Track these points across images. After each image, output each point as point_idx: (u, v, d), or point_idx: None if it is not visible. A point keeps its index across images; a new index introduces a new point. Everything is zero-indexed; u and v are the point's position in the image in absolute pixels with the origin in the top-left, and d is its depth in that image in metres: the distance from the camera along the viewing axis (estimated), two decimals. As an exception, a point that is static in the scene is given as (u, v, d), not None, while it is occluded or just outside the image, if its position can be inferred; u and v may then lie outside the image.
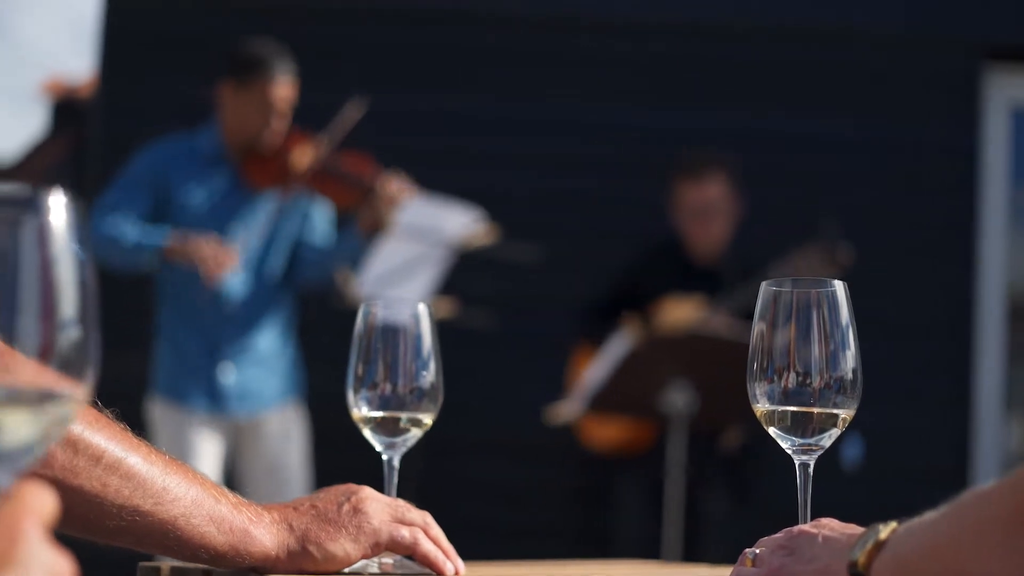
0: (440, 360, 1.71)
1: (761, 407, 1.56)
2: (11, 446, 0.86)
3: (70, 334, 0.86)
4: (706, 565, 1.95)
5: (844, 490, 5.19)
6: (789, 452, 1.57)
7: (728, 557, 4.63)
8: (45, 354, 0.85)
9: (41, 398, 0.86)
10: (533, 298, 6.19)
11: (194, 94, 6.50)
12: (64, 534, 1.15)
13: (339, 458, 3.95)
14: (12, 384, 0.85)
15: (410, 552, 1.57)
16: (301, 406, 5.03)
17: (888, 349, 6.08)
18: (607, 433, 5.34)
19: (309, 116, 5.12)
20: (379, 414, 1.67)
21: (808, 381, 1.53)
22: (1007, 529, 1.13)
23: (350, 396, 1.68)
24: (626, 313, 5.23)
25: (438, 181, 5.25)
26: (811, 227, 5.38)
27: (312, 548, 1.51)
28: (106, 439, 1.44)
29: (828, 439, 1.55)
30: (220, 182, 4.92)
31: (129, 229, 4.72)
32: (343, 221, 5.15)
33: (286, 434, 4.94)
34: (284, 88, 4.88)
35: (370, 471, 1.80)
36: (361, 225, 4.84)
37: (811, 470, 1.56)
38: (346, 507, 1.54)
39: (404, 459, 1.72)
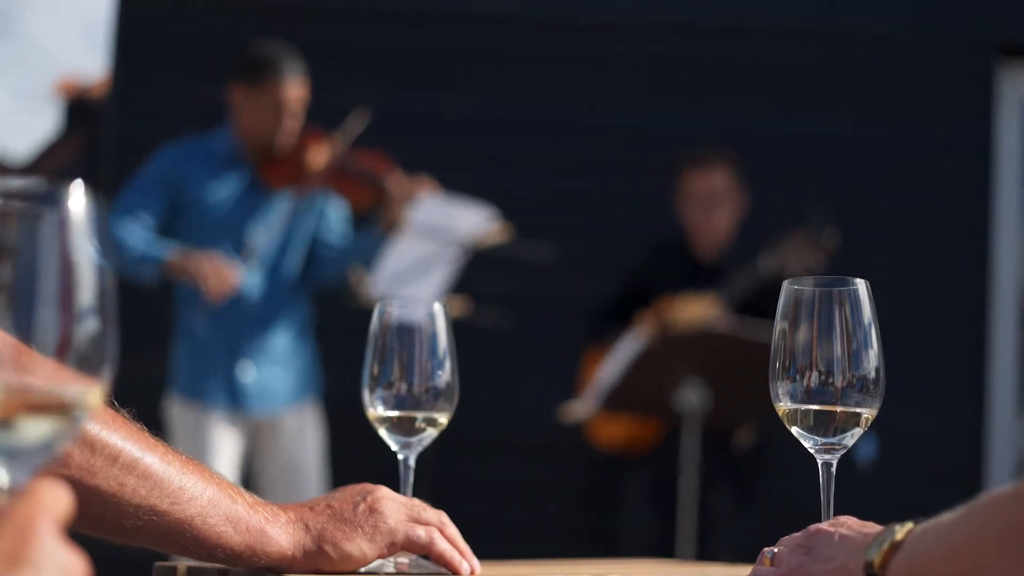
0: (456, 360, 1.70)
1: (783, 406, 1.55)
2: (27, 444, 0.86)
3: (88, 328, 0.86)
4: (721, 564, 1.95)
5: (858, 489, 5.18)
6: (811, 451, 1.56)
7: (731, 555, 4.64)
8: (63, 348, 0.85)
9: (58, 396, 0.86)
10: (545, 297, 6.19)
11: (205, 94, 6.51)
12: (80, 533, 1.15)
13: (355, 457, 3.95)
14: (29, 382, 0.85)
15: (426, 551, 1.57)
16: (318, 405, 5.04)
17: (901, 348, 6.06)
18: (612, 432, 5.34)
19: (320, 116, 5.13)
20: (395, 413, 1.67)
21: (831, 380, 1.53)
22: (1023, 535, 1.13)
23: (366, 395, 1.68)
24: (634, 312, 5.24)
25: (451, 181, 5.25)
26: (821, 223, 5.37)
27: (328, 548, 1.51)
28: (123, 439, 1.44)
29: (851, 438, 1.55)
30: (236, 183, 4.93)
31: (136, 239, 4.72)
32: (359, 219, 5.15)
33: (302, 433, 4.95)
34: (295, 88, 4.89)
35: (385, 470, 1.80)
36: (381, 223, 4.86)
37: (834, 469, 1.56)
38: (362, 507, 1.54)
39: (418, 458, 1.72)
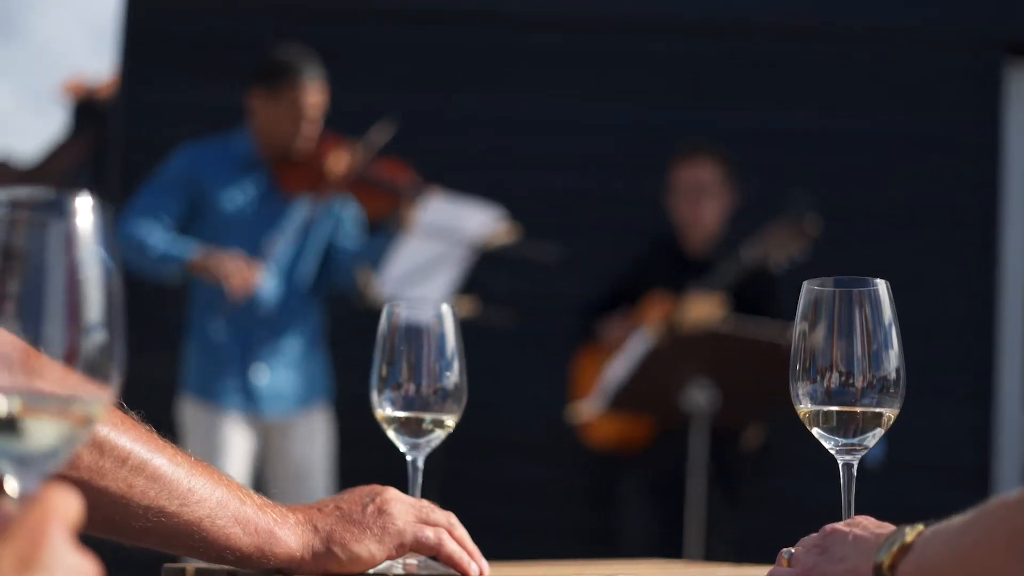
0: (464, 360, 1.70)
1: (804, 407, 1.55)
2: (37, 450, 0.87)
3: (96, 338, 0.86)
4: (730, 565, 1.95)
5: (866, 488, 5.17)
6: (832, 452, 1.56)
7: (718, 554, 4.62)
8: (71, 358, 0.86)
9: (67, 402, 0.86)
10: (553, 297, 6.19)
11: (213, 95, 6.52)
12: (90, 535, 1.15)
13: (363, 458, 3.95)
14: (38, 388, 0.85)
15: (435, 553, 1.57)
16: (328, 410, 5.05)
17: (908, 347, 6.05)
18: (606, 432, 5.35)
19: (340, 121, 5.13)
20: (403, 414, 1.67)
21: (851, 381, 1.52)
22: None
23: (374, 396, 1.68)
24: (623, 308, 5.28)
25: (458, 181, 5.25)
26: (830, 223, 5.37)
27: (337, 549, 1.51)
28: (132, 441, 1.44)
29: (872, 439, 1.54)
30: (254, 187, 4.94)
31: (158, 238, 4.74)
32: (373, 226, 5.15)
33: (312, 437, 4.97)
34: (314, 94, 4.89)
35: (392, 470, 1.80)
36: (392, 227, 4.88)
37: (855, 470, 1.55)
38: (371, 508, 1.54)
39: (426, 459, 1.72)
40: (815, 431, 1.55)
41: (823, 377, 1.53)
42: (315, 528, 1.52)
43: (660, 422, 5.08)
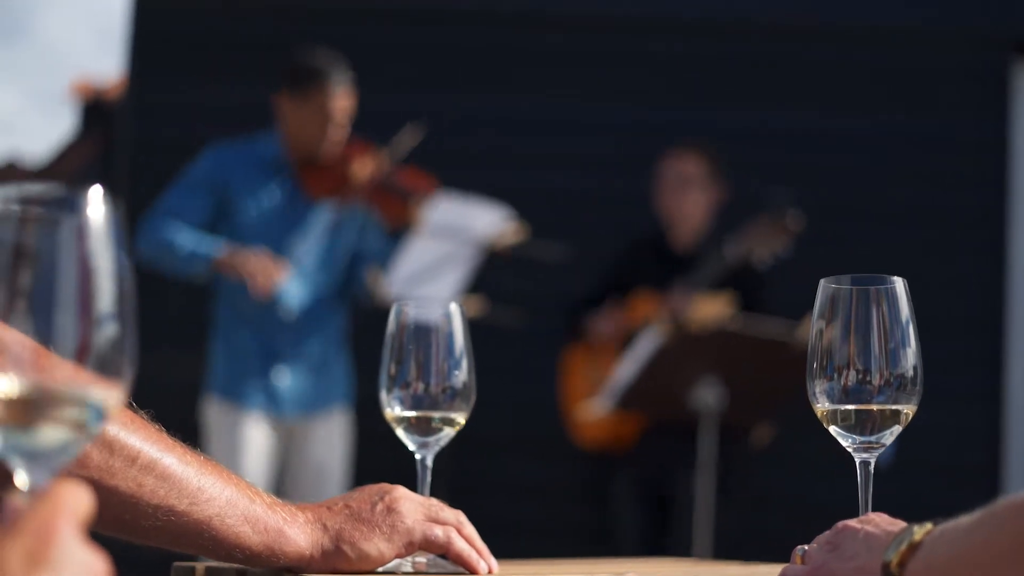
0: (472, 359, 1.70)
1: (821, 406, 1.55)
2: (47, 446, 0.87)
3: (107, 333, 0.87)
4: (740, 563, 1.95)
5: (876, 487, 5.18)
6: (849, 450, 1.56)
7: (699, 549, 4.60)
8: (82, 353, 0.86)
9: (77, 399, 0.86)
10: (559, 296, 6.19)
11: (220, 95, 6.52)
12: (100, 534, 1.15)
13: (377, 457, 3.95)
14: (48, 385, 0.85)
15: (444, 551, 1.57)
16: (349, 413, 5.08)
17: (921, 347, 6.05)
18: (595, 430, 5.36)
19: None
20: (412, 413, 1.67)
21: (868, 379, 1.52)
22: None
23: (383, 396, 1.68)
24: (610, 305, 5.31)
25: (466, 181, 5.25)
26: (837, 224, 5.36)
27: (346, 547, 1.51)
28: (142, 440, 1.44)
29: (889, 436, 1.54)
30: (279, 190, 4.98)
31: (185, 237, 4.80)
32: (393, 232, 5.17)
33: (332, 439, 5.02)
34: (342, 99, 4.92)
35: (406, 470, 1.80)
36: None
37: (872, 468, 1.55)
38: (380, 506, 1.54)
39: (435, 457, 1.72)
40: (832, 429, 1.55)
41: (840, 375, 1.53)
42: (324, 527, 1.52)
43: (669, 420, 5.08)
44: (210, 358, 5.01)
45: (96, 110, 11.06)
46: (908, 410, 1.54)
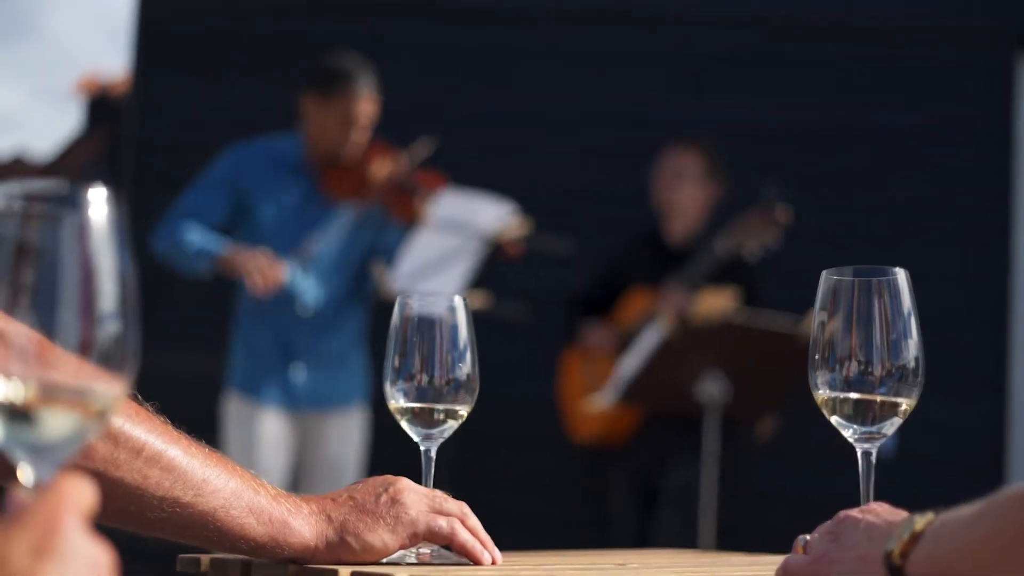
0: (476, 352, 1.71)
1: (823, 395, 1.55)
2: (52, 440, 0.87)
3: (110, 328, 0.87)
4: (744, 554, 1.95)
5: (878, 481, 5.18)
6: (851, 440, 1.56)
7: (673, 538, 4.58)
8: (85, 348, 0.86)
9: (81, 392, 0.87)
10: (564, 291, 6.19)
11: (225, 92, 6.53)
12: (105, 526, 1.16)
13: (383, 451, 3.97)
14: (52, 378, 0.86)
15: (447, 542, 1.58)
16: (366, 411, 5.10)
17: (922, 338, 6.04)
18: (590, 425, 5.37)
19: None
20: (416, 405, 1.68)
21: (870, 369, 1.53)
22: None
23: (387, 388, 1.69)
24: (608, 301, 5.36)
25: (471, 176, 5.26)
26: (842, 218, 5.35)
27: (350, 539, 1.52)
28: (146, 432, 1.45)
29: (890, 427, 1.55)
30: (298, 190, 5.03)
31: (195, 235, 4.85)
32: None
33: (348, 435, 5.06)
34: (366, 102, 4.97)
35: (418, 463, 1.81)
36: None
37: (873, 458, 1.56)
38: (384, 498, 1.55)
39: (439, 449, 1.73)
40: (833, 419, 1.56)
41: (842, 366, 1.53)
42: (329, 518, 1.53)
43: (665, 413, 5.10)
44: (230, 354, 5.07)
45: (102, 107, 11.05)
46: (909, 401, 1.54)
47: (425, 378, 1.68)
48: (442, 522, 1.57)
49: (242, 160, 5.04)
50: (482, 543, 1.59)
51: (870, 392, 1.53)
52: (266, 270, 4.71)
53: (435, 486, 1.67)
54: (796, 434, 5.54)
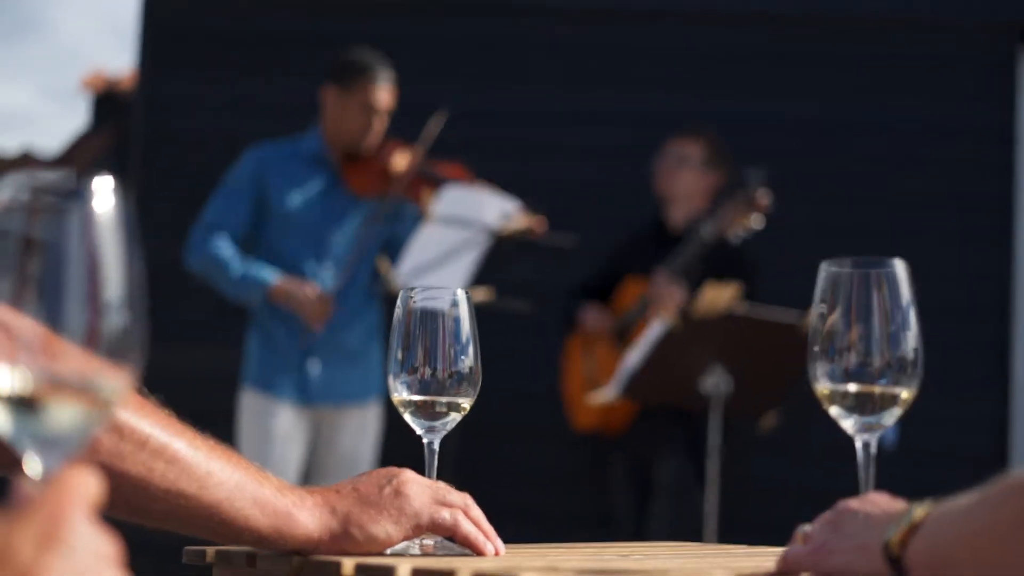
0: (479, 345, 1.72)
1: (822, 387, 1.55)
2: (58, 432, 0.88)
3: (116, 320, 0.87)
4: (745, 546, 1.96)
5: (881, 475, 5.19)
6: (850, 431, 1.57)
7: (669, 532, 4.59)
8: (91, 340, 0.86)
9: (87, 384, 0.87)
10: (569, 285, 6.20)
11: (232, 88, 6.53)
12: (111, 518, 1.17)
13: (397, 444, 3.97)
14: (58, 371, 0.86)
15: (451, 534, 1.59)
16: (382, 405, 5.11)
17: (925, 332, 6.04)
18: (588, 415, 5.38)
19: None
20: (418, 398, 1.69)
21: (869, 361, 1.53)
22: None
23: (391, 380, 1.70)
24: (608, 290, 5.41)
25: (476, 170, 5.26)
26: (846, 211, 5.35)
27: (354, 530, 1.53)
28: (151, 424, 1.46)
29: (890, 417, 1.55)
30: (319, 184, 5.07)
31: (236, 260, 4.89)
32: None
33: (363, 430, 5.08)
34: (385, 92, 5.04)
35: (410, 454, 1.82)
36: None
37: (872, 449, 1.56)
38: (387, 490, 1.56)
39: (442, 442, 1.74)
40: (833, 410, 1.56)
41: (841, 357, 1.54)
42: (333, 510, 1.53)
43: (664, 405, 5.11)
44: (246, 350, 5.09)
45: (109, 103, 11.05)
46: (908, 392, 1.55)
47: (428, 371, 1.69)
48: (445, 513, 1.57)
49: (261, 159, 5.07)
50: (485, 534, 1.60)
51: (870, 383, 1.54)
52: (319, 307, 4.79)
53: (438, 478, 1.68)
54: (798, 428, 5.55)
